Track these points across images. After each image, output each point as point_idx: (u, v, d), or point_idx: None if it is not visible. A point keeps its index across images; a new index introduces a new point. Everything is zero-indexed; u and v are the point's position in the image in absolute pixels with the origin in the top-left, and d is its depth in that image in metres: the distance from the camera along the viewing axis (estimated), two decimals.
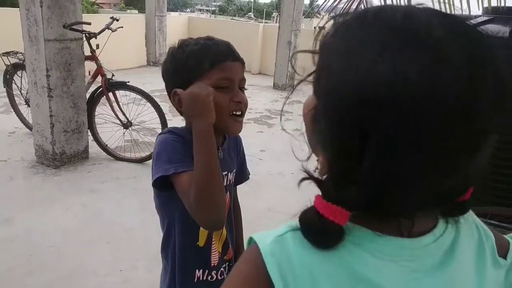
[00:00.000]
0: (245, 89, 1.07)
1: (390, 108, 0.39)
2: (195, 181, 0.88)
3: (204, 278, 1.12)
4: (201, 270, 1.12)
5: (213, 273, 1.13)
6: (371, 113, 0.40)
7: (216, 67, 0.98)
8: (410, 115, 0.39)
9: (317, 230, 0.46)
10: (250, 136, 4.65)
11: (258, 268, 0.47)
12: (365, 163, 0.42)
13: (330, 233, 0.46)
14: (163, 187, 0.98)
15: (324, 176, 0.49)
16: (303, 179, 0.48)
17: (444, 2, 2.04)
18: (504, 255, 0.57)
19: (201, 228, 1.07)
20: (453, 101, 0.39)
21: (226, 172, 1.12)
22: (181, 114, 1.05)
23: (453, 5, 2.03)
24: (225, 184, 1.11)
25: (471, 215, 0.57)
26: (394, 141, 0.40)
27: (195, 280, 1.12)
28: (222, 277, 1.15)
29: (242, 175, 1.26)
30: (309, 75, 0.48)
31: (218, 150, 1.08)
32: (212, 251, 1.13)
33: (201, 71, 0.98)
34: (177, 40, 1.06)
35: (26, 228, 2.62)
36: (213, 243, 1.12)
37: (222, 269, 1.15)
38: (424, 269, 0.48)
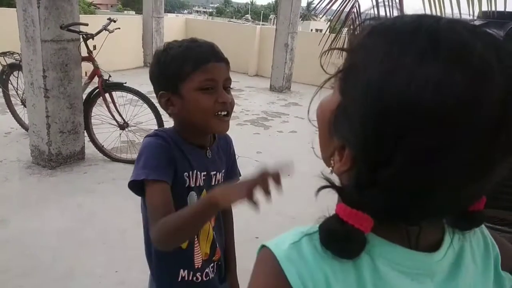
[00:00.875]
0: (231, 88, 1.08)
1: (432, 117, 0.39)
2: (174, 224, 0.90)
3: (190, 278, 1.14)
4: (185, 270, 1.13)
5: (198, 274, 1.14)
6: (411, 119, 0.40)
7: (199, 69, 1.00)
8: (450, 126, 0.39)
9: (340, 237, 0.45)
10: (247, 138, 4.66)
11: (277, 277, 0.46)
12: (394, 167, 0.41)
13: (354, 241, 0.45)
14: (140, 191, 1.01)
15: (342, 178, 0.49)
16: (323, 187, 0.47)
17: (435, 6, 2.06)
18: (509, 268, 0.57)
19: None
20: (492, 114, 0.39)
21: (214, 172, 1.14)
22: (170, 115, 1.09)
23: (444, 8, 2.05)
24: (213, 183, 1.14)
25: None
26: (430, 149, 0.40)
27: (179, 279, 1.13)
28: (207, 278, 1.16)
29: (232, 175, 1.27)
30: (338, 72, 0.48)
31: (206, 149, 1.11)
32: (195, 253, 1.13)
33: (185, 73, 1.00)
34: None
35: (21, 229, 2.62)
36: (195, 246, 1.13)
37: (207, 270, 1.16)
38: (433, 283, 0.49)
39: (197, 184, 1.09)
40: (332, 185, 0.47)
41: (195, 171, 1.08)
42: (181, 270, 1.12)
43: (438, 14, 2.07)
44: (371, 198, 0.44)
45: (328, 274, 0.46)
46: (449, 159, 0.40)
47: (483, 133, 0.40)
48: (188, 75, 1.00)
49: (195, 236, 1.12)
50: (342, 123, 0.46)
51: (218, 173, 1.15)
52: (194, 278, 1.14)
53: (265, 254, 0.48)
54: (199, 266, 1.14)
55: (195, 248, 1.13)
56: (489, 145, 0.40)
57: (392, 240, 0.48)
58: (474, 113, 0.39)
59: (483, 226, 0.58)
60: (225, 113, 1.04)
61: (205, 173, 1.11)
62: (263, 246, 0.49)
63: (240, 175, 1.30)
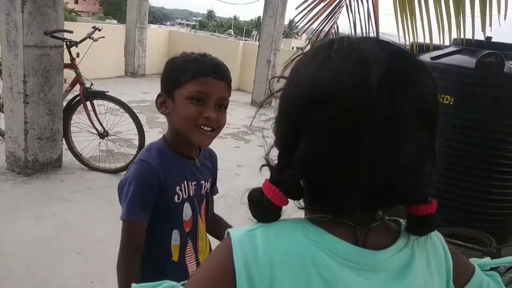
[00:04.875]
0: (224, 108, 1.11)
1: (319, 107, 0.49)
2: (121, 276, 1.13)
3: None
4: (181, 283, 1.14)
5: None
6: (304, 110, 0.51)
7: (195, 80, 1.04)
8: (332, 113, 0.48)
9: (256, 203, 0.55)
10: (227, 151, 4.68)
11: (226, 254, 0.53)
12: (298, 151, 0.51)
13: (265, 208, 0.55)
14: None
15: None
16: (263, 165, 0.59)
17: (408, 33, 2.16)
18: (464, 283, 0.62)
19: (172, 243, 1.13)
20: (373, 109, 0.47)
21: (203, 181, 1.18)
22: (165, 116, 1.13)
23: (417, 35, 2.15)
24: (202, 192, 1.18)
25: (439, 237, 0.61)
26: (321, 135, 0.50)
27: None
28: None
29: (213, 191, 1.30)
30: (278, 91, 0.59)
31: (194, 160, 1.16)
32: (189, 263, 1.16)
33: (182, 81, 1.05)
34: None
35: None
36: (188, 255, 1.16)
37: None
38: (378, 280, 0.53)
39: (190, 194, 1.13)
40: (267, 164, 0.58)
41: (185, 181, 1.11)
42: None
43: (411, 40, 2.18)
44: (286, 178, 0.54)
45: (274, 261, 0.51)
46: (337, 141, 0.49)
47: (364, 116, 0.47)
48: (184, 83, 1.04)
49: (189, 246, 1.15)
50: (275, 130, 0.59)
51: (205, 182, 1.19)
52: None
53: (225, 238, 0.56)
54: None
55: (187, 258, 1.16)
56: (370, 128, 0.47)
57: (340, 237, 0.53)
58: (336, 94, 0.48)
59: (442, 238, 0.62)
60: (209, 128, 1.07)
61: (195, 182, 1.15)
62: (228, 233, 0.56)
63: (217, 192, 1.34)
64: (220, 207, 1.32)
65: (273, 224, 0.55)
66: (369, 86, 0.47)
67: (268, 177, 0.57)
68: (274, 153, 0.59)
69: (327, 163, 0.50)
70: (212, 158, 1.26)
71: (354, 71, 0.48)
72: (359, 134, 0.47)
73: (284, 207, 0.56)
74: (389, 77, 0.48)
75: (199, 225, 1.18)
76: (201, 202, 1.19)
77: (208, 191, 1.21)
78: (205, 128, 1.06)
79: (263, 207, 0.55)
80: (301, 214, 0.60)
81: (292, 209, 0.61)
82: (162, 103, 1.10)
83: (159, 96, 1.11)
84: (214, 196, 1.31)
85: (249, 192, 0.57)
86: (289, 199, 0.56)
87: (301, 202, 0.59)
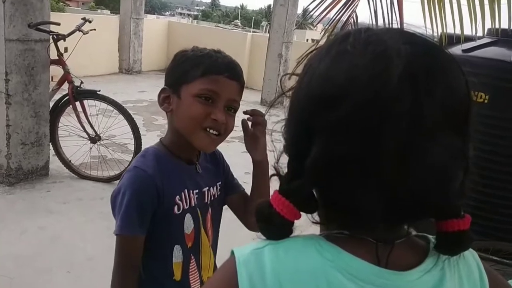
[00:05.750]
0: (234, 112, 1.12)
1: (333, 105, 0.49)
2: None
3: None
4: None
5: None
6: (317, 110, 0.51)
7: (206, 77, 1.05)
8: (347, 111, 0.48)
9: (264, 218, 0.55)
10: (234, 156, 4.67)
11: (230, 276, 0.53)
12: (310, 156, 0.51)
13: (275, 223, 0.54)
14: None
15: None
16: (272, 175, 0.59)
17: (436, 22, 2.15)
18: None
19: (173, 261, 1.13)
20: (392, 105, 0.47)
21: (206, 188, 1.18)
22: (166, 113, 1.14)
23: (446, 24, 2.14)
24: (206, 200, 1.18)
25: (473, 255, 0.61)
26: (335, 137, 0.49)
27: None
28: None
29: (232, 186, 1.30)
30: (289, 90, 0.59)
31: (195, 164, 1.16)
32: (192, 281, 1.16)
33: (191, 76, 1.06)
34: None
35: None
36: (191, 274, 1.16)
37: None
38: None
39: (192, 204, 1.13)
40: (276, 174, 0.58)
41: (185, 190, 1.12)
42: None
43: (440, 30, 2.17)
44: (296, 187, 0.54)
45: (284, 282, 0.51)
46: (355, 143, 0.48)
47: (386, 116, 0.47)
48: (193, 79, 1.05)
49: (192, 262, 1.16)
50: (284, 134, 0.58)
51: (211, 188, 1.20)
52: None
53: (230, 257, 0.56)
54: None
55: (191, 277, 1.16)
56: (393, 128, 0.47)
57: (358, 255, 0.53)
58: (352, 89, 0.48)
59: (476, 256, 0.61)
60: (216, 132, 1.08)
61: (197, 190, 1.15)
62: (233, 252, 0.57)
63: (242, 188, 1.33)
64: (226, 219, 1.31)
65: (284, 241, 0.55)
66: (388, 79, 0.46)
67: (278, 187, 0.56)
68: (285, 160, 0.58)
69: (342, 168, 0.50)
70: (216, 158, 1.27)
71: (372, 64, 0.48)
72: (378, 134, 0.47)
73: (296, 222, 0.55)
74: (412, 70, 0.47)
75: (202, 239, 1.18)
76: (205, 212, 1.18)
77: (215, 197, 1.21)
78: (211, 131, 1.07)
79: (272, 222, 0.54)
80: (316, 230, 0.60)
81: (306, 224, 0.61)
82: (165, 98, 1.11)
83: (162, 90, 1.12)
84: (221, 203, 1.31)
85: (256, 204, 0.57)
86: (301, 213, 0.55)
87: (316, 216, 0.58)
